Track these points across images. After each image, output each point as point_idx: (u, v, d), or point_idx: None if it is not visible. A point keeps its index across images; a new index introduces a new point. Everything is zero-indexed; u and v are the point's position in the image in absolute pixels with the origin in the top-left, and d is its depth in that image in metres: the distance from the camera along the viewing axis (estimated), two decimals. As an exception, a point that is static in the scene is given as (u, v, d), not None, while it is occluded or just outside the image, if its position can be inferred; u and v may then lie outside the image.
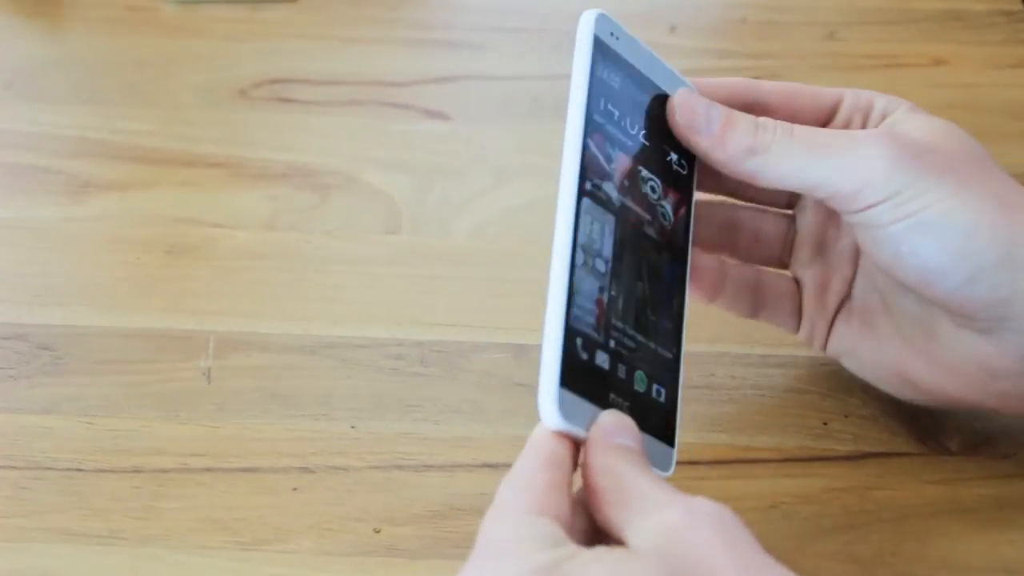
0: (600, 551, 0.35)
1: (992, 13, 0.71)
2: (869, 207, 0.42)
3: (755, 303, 0.48)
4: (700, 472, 0.47)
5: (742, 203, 0.49)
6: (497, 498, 0.37)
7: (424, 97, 0.65)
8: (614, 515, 0.36)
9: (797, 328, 0.49)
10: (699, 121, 0.43)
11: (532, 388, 0.50)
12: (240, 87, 0.65)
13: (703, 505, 0.35)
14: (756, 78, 0.66)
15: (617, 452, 0.38)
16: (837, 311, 0.48)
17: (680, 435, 0.42)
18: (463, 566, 0.36)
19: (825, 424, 0.48)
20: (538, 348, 0.51)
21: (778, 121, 0.43)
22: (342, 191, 0.59)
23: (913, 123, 0.44)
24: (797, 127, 0.43)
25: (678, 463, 0.47)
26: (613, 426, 0.39)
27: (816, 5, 0.71)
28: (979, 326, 0.43)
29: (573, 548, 0.35)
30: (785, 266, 0.49)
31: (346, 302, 0.54)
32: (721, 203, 0.48)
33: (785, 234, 0.49)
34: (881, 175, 0.41)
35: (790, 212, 0.49)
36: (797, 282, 0.49)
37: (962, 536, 0.45)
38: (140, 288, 0.54)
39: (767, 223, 0.49)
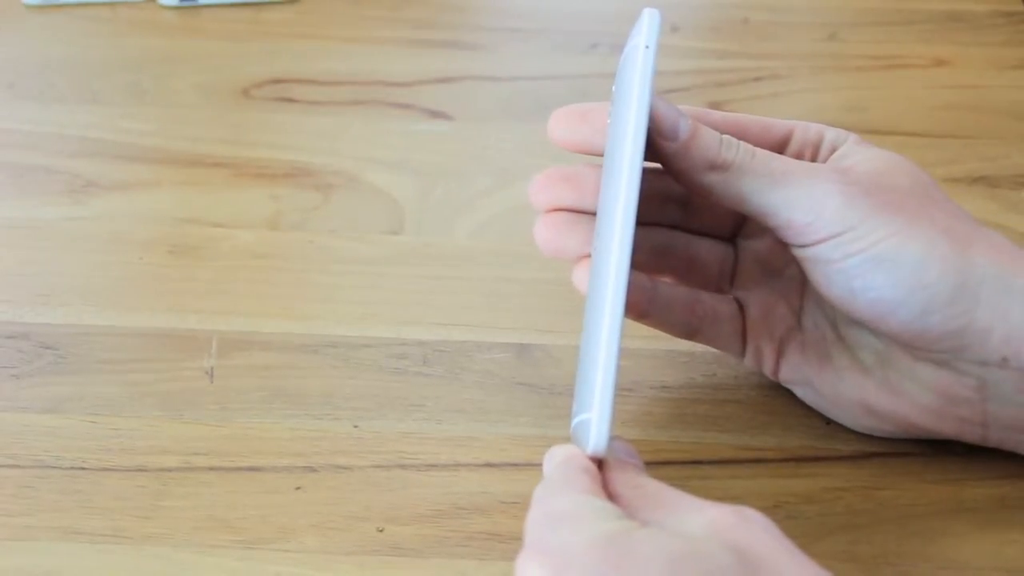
0: (665, 529, 0.36)
1: (993, 14, 0.71)
2: (819, 242, 0.42)
3: (690, 324, 0.47)
4: (703, 472, 0.47)
5: (679, 231, 0.48)
6: (541, 493, 0.38)
7: (426, 97, 0.65)
8: (645, 516, 0.37)
9: (742, 353, 0.48)
10: (667, 128, 0.43)
11: (535, 388, 0.50)
12: (242, 87, 0.65)
13: (751, 510, 0.36)
14: (757, 79, 0.67)
15: (631, 467, 0.40)
16: (785, 339, 0.47)
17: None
18: (520, 551, 0.37)
19: (828, 423, 0.48)
20: (542, 348, 0.51)
21: (742, 142, 0.43)
22: (344, 191, 0.59)
23: (861, 156, 0.44)
24: (760, 151, 0.43)
25: (682, 463, 0.47)
26: (624, 452, 0.41)
27: (817, 6, 0.72)
28: (935, 357, 0.44)
29: (638, 523, 0.36)
30: (722, 292, 0.49)
31: (349, 302, 0.54)
32: (656, 227, 0.48)
33: (722, 260, 0.48)
34: (831, 211, 0.42)
35: (729, 242, 0.49)
36: (740, 305, 0.48)
37: (965, 536, 0.45)
38: (143, 288, 0.54)
39: (704, 248, 0.48)
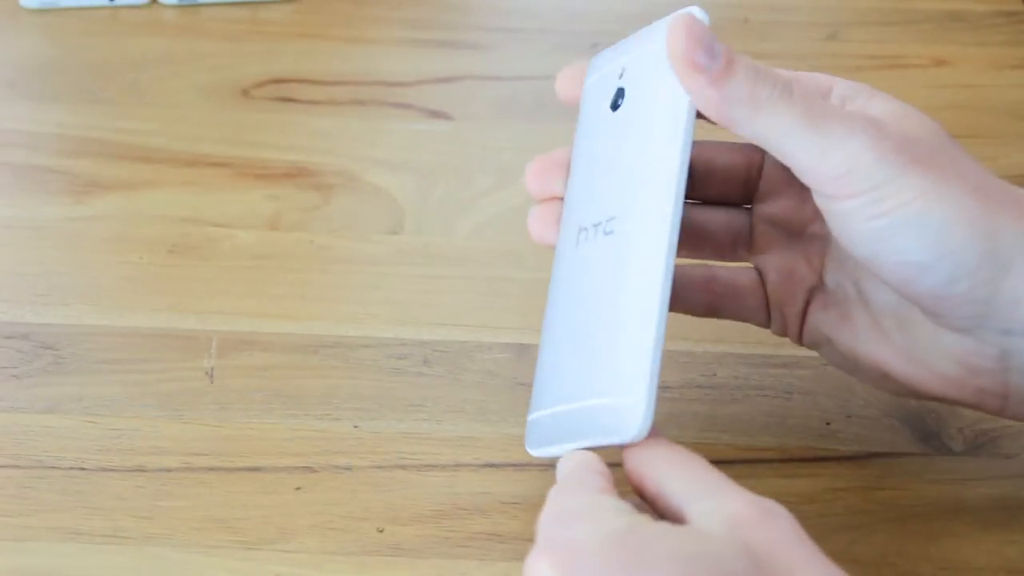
0: (680, 526, 0.36)
1: (993, 14, 0.71)
2: (848, 196, 0.40)
3: (710, 303, 0.46)
4: (703, 472, 0.47)
5: (689, 200, 0.47)
6: (554, 494, 0.38)
7: (426, 97, 0.65)
8: (676, 488, 0.37)
9: (767, 322, 0.47)
10: (700, 51, 0.40)
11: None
12: (242, 87, 0.65)
13: (778, 507, 0.36)
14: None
15: (678, 446, 0.39)
16: (808, 300, 0.46)
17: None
18: (533, 547, 0.36)
19: (828, 424, 0.48)
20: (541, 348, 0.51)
21: (779, 73, 0.41)
22: (344, 191, 0.59)
23: (879, 107, 0.42)
24: (798, 87, 0.40)
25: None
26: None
27: (818, 6, 0.72)
28: (957, 324, 0.42)
29: (649, 517, 0.36)
30: (739, 259, 0.47)
31: (349, 302, 0.54)
32: None
33: (737, 228, 0.47)
34: (864, 165, 0.40)
35: (741, 208, 0.47)
36: (759, 274, 0.47)
37: (965, 537, 0.45)
38: (143, 288, 0.54)
39: (714, 217, 0.47)
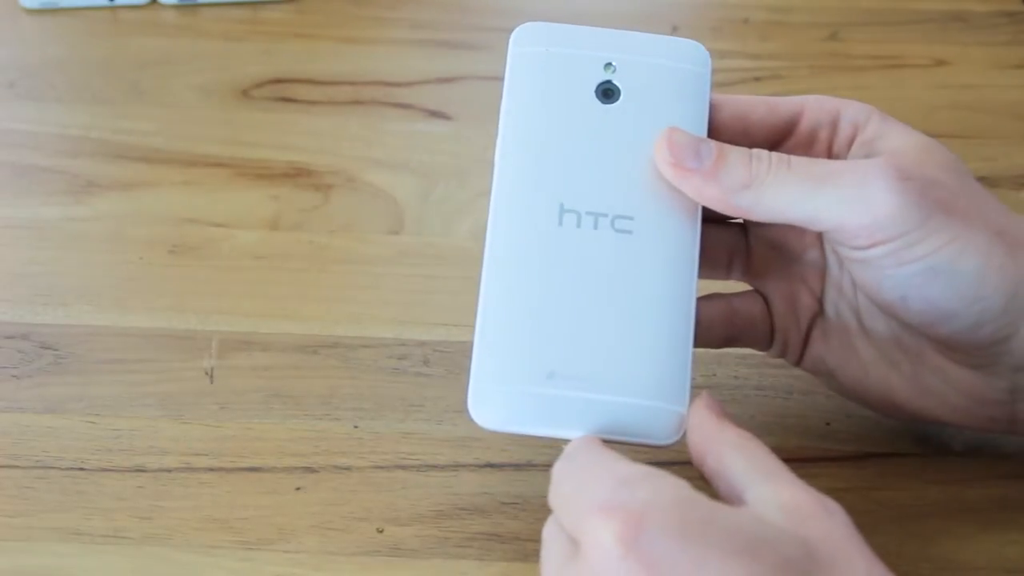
0: (738, 508, 0.36)
1: (994, 14, 0.71)
2: (875, 245, 0.40)
3: (730, 335, 0.46)
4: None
5: None
6: (573, 465, 0.38)
7: (426, 97, 0.65)
8: (738, 468, 0.37)
9: (769, 345, 0.46)
10: (688, 156, 0.41)
11: (535, 388, 0.50)
12: (242, 87, 0.65)
13: (834, 504, 0.36)
14: (757, 79, 0.67)
15: (742, 429, 0.39)
16: (810, 326, 0.45)
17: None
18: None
19: (827, 424, 0.48)
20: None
21: (773, 152, 0.41)
22: (344, 191, 0.59)
23: (899, 138, 0.42)
24: (794, 157, 0.41)
25: (682, 464, 0.47)
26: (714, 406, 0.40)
27: (818, 6, 0.72)
28: (972, 362, 0.42)
29: (706, 496, 0.36)
30: (733, 277, 0.47)
31: (348, 302, 0.54)
32: None
33: (732, 246, 0.46)
34: (889, 212, 0.40)
35: (735, 225, 0.47)
36: (764, 298, 0.46)
37: (965, 537, 0.45)
38: (143, 288, 0.54)
39: (710, 232, 0.44)
